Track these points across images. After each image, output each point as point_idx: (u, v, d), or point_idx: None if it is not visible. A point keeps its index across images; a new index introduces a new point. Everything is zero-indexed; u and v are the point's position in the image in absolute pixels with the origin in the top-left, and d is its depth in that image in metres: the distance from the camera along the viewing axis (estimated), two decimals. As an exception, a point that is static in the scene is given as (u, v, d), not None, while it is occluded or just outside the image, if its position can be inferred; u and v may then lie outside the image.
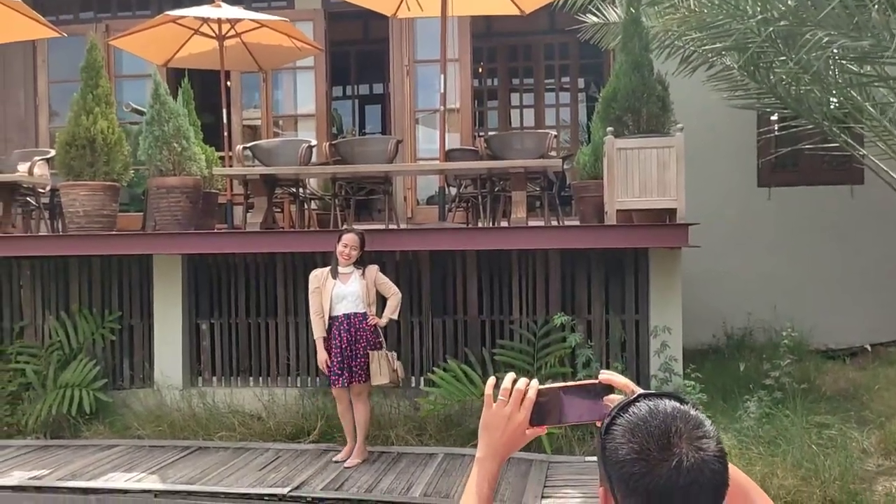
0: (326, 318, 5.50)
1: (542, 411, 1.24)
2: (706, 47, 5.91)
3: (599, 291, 6.40)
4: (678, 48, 6.29)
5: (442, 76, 6.79)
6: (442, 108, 6.79)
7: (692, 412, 1.09)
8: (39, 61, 8.89)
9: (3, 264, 7.02)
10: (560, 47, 11.02)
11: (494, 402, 1.27)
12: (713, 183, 7.88)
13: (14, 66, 8.77)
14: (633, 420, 1.08)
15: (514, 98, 11.87)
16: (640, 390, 1.15)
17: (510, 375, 1.26)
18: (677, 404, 1.09)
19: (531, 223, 6.47)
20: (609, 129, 5.71)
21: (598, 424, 1.24)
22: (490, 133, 10.17)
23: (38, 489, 5.18)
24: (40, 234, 7.11)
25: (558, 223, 7.15)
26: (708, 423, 1.09)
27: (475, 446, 4.91)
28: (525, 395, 1.24)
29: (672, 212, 5.70)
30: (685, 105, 6.48)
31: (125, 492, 5.10)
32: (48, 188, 6.99)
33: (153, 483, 5.16)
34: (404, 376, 6.13)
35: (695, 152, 6.22)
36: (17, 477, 5.34)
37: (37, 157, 6.72)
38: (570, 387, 1.25)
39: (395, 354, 5.67)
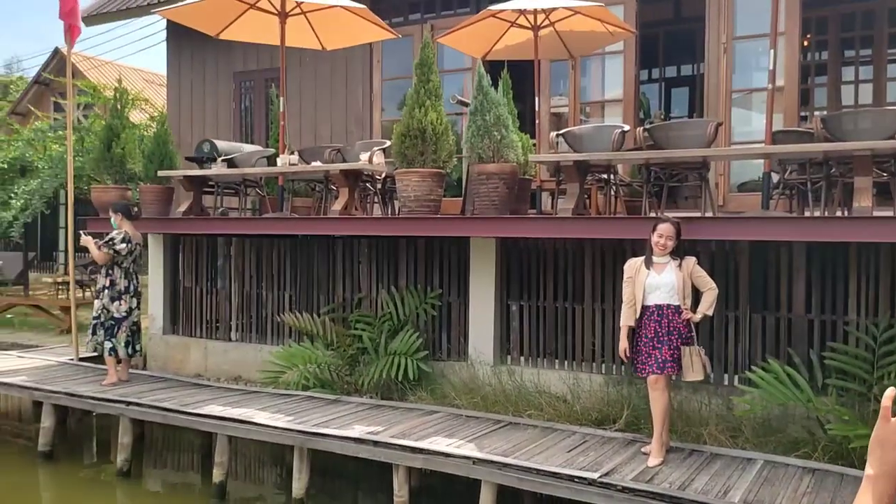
0: (638, 307, 5.41)
1: None
2: None
3: (965, 295, 5.47)
4: None
5: (771, 51, 6.25)
6: (770, 86, 6.26)
7: None
8: (375, 61, 9.93)
9: (347, 242, 8.01)
10: (910, 10, 9.57)
11: (893, 417, 1.13)
12: None
13: (356, 66, 9.91)
14: None
15: (847, 72, 10.58)
16: None
17: None
18: None
19: (875, 213, 5.70)
20: None
21: None
22: (817, 112, 9.19)
23: (375, 443, 5.83)
24: (376, 216, 7.96)
25: (907, 213, 6.23)
26: None
27: (800, 456, 4.48)
28: None
29: None
30: None
31: (447, 455, 5.53)
32: (384, 175, 7.78)
33: (472, 451, 5.52)
34: (712, 371, 5.84)
35: None
36: (357, 430, 6.07)
37: (375, 147, 7.51)
38: None
39: (703, 349, 5.41)
